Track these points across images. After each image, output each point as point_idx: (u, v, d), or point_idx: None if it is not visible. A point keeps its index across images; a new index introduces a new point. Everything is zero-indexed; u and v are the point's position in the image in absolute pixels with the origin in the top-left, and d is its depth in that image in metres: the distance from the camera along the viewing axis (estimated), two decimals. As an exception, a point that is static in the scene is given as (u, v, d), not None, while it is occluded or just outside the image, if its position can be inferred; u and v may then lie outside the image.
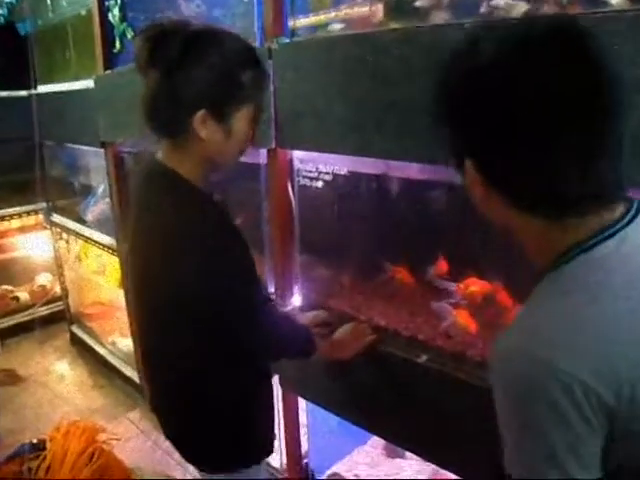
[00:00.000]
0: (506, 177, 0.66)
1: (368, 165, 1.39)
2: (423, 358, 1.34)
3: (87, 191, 3.08)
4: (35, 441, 2.13)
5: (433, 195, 1.38)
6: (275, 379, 1.76)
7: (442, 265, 1.43)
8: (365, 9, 1.34)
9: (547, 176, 0.62)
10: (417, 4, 1.19)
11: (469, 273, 1.35)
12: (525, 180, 0.64)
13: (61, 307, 3.79)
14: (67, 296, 3.66)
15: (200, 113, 1.00)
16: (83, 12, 2.64)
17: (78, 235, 3.07)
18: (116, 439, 2.37)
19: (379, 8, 1.35)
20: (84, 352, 3.55)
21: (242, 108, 1.04)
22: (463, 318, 1.29)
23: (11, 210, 3.66)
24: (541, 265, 0.69)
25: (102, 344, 3.35)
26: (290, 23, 1.51)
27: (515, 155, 0.63)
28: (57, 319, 3.85)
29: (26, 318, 3.83)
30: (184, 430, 1.27)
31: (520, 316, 0.68)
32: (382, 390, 1.43)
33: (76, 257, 3.36)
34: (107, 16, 2.25)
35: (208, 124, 1.02)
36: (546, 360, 0.57)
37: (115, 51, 2.26)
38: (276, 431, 1.37)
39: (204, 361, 1.16)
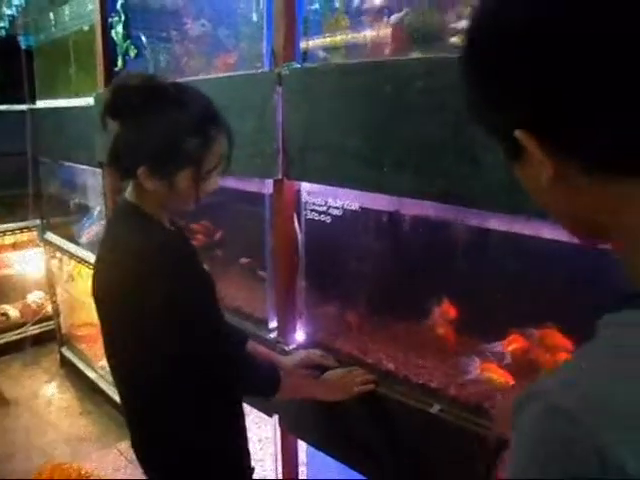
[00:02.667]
0: (589, 134, 0.45)
1: (381, 201, 1.31)
2: (436, 408, 1.25)
3: (83, 211, 3.00)
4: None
5: (449, 235, 1.29)
6: (274, 419, 1.68)
7: (447, 308, 1.35)
8: (387, 32, 1.26)
9: None
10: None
11: (484, 321, 1.27)
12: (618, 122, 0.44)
13: (52, 327, 3.70)
14: (58, 316, 3.57)
15: (142, 168, 1.06)
16: (86, 28, 2.59)
17: (72, 255, 2.98)
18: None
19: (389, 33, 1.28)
20: (73, 375, 3.44)
21: (183, 169, 1.07)
22: (494, 372, 1.21)
23: (4, 226, 3.58)
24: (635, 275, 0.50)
25: (92, 368, 3.25)
26: (302, 44, 1.44)
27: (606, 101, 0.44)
28: (47, 339, 3.76)
29: (15, 337, 3.73)
30: (148, 456, 1.27)
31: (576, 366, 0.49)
32: (386, 438, 1.34)
33: (69, 277, 3.27)
34: (110, 33, 2.19)
35: (151, 178, 1.07)
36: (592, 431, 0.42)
37: (117, 69, 2.20)
38: (252, 464, 1.36)
39: (163, 387, 1.15)
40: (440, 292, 1.35)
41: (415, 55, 1.20)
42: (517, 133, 0.48)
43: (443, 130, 1.07)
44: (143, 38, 2.08)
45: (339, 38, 1.42)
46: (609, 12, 0.42)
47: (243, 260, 1.94)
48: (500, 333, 1.23)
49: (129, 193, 1.15)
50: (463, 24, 1.13)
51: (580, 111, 0.44)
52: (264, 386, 1.23)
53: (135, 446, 1.28)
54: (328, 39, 1.44)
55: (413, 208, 1.30)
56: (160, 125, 1.06)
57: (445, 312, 1.36)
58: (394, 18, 1.30)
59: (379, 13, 1.33)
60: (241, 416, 1.30)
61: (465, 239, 1.32)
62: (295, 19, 1.43)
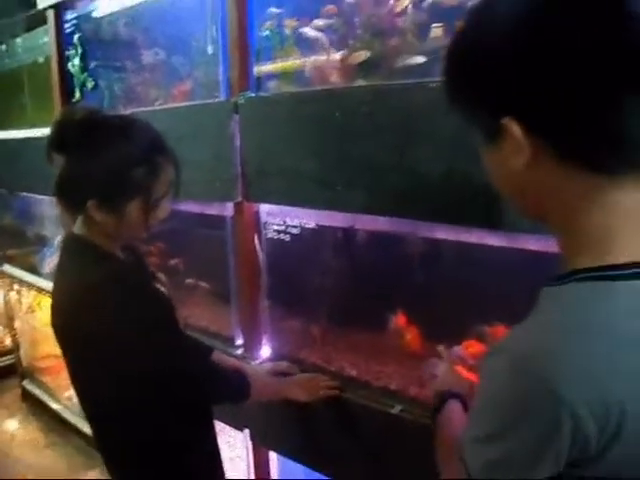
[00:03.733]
0: (570, 120, 0.53)
1: (336, 218, 1.40)
2: (397, 409, 1.33)
3: (41, 241, 2.98)
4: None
5: (402, 247, 1.39)
6: (245, 433, 1.72)
7: (400, 319, 1.44)
8: (335, 58, 1.34)
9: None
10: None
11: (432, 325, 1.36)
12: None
13: (11, 361, 3.61)
14: (18, 349, 3.49)
15: (91, 202, 1.07)
16: (41, 59, 2.60)
17: (31, 286, 2.95)
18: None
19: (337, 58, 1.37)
20: (36, 409, 3.36)
21: (133, 200, 1.09)
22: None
23: (-43, 260, 3.49)
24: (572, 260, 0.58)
25: (57, 399, 3.18)
26: (255, 70, 1.52)
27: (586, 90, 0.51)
28: (6, 374, 3.65)
29: (-28, 374, 3.62)
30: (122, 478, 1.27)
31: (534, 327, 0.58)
32: (353, 442, 1.40)
33: (29, 308, 3.22)
34: (66, 65, 2.22)
35: (101, 211, 1.08)
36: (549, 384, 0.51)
37: (74, 101, 2.23)
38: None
39: (130, 409, 1.16)
40: (397, 301, 1.44)
41: (361, 82, 1.30)
42: (504, 119, 0.56)
43: (389, 150, 1.17)
44: (100, 70, 2.12)
45: (289, 63, 1.49)
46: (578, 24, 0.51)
47: (189, 280, 2.00)
48: (457, 337, 1.32)
49: (77, 226, 1.16)
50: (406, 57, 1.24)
51: (556, 103, 0.53)
52: (235, 392, 1.27)
53: (110, 470, 1.28)
54: (279, 64, 1.51)
55: (366, 223, 1.39)
56: (106, 157, 1.06)
57: (403, 320, 1.45)
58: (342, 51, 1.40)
59: (325, 43, 1.43)
60: (212, 427, 1.33)
61: (416, 250, 1.42)
62: (248, 49, 1.52)
